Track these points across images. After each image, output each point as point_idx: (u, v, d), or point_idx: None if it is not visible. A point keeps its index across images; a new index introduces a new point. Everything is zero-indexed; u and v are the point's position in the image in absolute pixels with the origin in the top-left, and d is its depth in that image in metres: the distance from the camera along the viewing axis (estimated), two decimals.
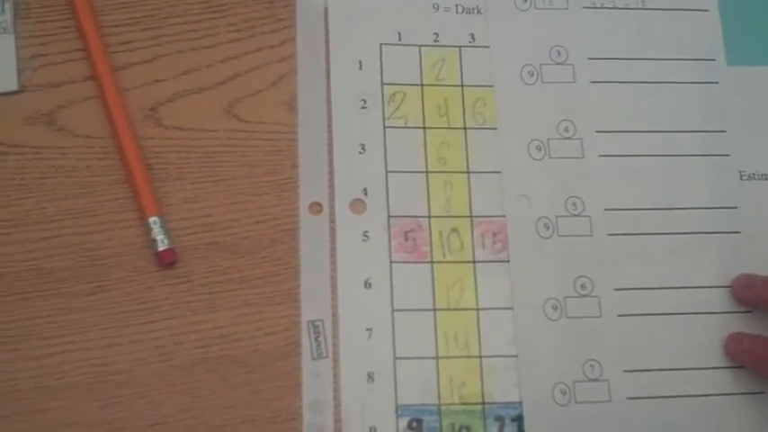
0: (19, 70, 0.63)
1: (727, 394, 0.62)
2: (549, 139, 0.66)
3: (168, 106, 0.64)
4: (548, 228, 0.64)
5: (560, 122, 0.67)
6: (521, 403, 0.60)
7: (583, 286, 0.63)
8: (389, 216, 0.63)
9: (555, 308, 0.62)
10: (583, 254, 0.64)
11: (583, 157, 0.66)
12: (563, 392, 0.61)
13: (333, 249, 0.62)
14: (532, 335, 0.62)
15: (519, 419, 0.60)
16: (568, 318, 0.62)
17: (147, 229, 0.60)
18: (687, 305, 0.64)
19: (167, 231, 0.60)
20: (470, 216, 0.64)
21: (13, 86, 0.63)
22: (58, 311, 0.59)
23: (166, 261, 0.60)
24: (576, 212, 0.65)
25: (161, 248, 0.60)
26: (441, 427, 0.59)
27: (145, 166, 0.62)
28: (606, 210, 0.65)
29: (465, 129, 0.66)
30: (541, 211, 0.65)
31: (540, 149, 0.66)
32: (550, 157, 0.66)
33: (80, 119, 0.63)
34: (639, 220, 0.65)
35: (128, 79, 0.64)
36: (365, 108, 0.65)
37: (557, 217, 0.64)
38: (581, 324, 0.62)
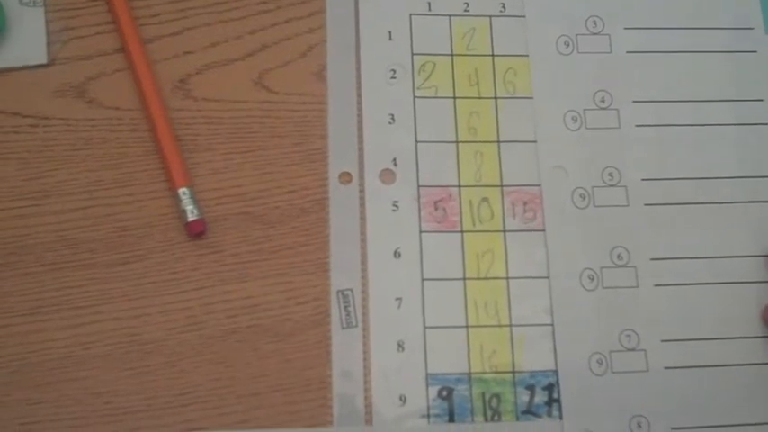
0: (48, 43, 0.63)
1: (765, 363, 0.61)
2: (585, 110, 0.66)
3: (197, 78, 0.64)
4: (584, 198, 0.63)
5: (596, 93, 0.66)
6: (554, 372, 0.60)
7: (619, 256, 0.62)
8: (419, 186, 0.63)
9: (591, 278, 0.62)
10: (619, 224, 0.63)
11: (619, 128, 0.65)
12: (599, 362, 0.60)
13: (362, 219, 0.62)
14: (569, 305, 0.61)
15: (550, 387, 0.59)
16: (605, 288, 0.62)
17: (177, 200, 0.60)
18: (724, 275, 0.63)
19: (197, 202, 0.60)
20: (501, 185, 0.63)
21: (43, 59, 0.63)
22: (89, 282, 0.60)
23: (196, 231, 0.60)
24: (612, 183, 0.64)
25: (191, 219, 0.60)
26: (471, 395, 0.59)
27: (174, 137, 0.62)
28: (643, 180, 0.64)
29: (495, 98, 0.65)
30: (577, 182, 0.64)
31: (576, 120, 0.65)
32: (587, 128, 0.65)
33: (110, 91, 0.63)
34: (676, 189, 0.64)
35: (157, 51, 0.64)
36: (395, 78, 0.65)
37: (593, 187, 0.64)
38: (618, 294, 0.62)
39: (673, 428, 0.59)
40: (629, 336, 0.61)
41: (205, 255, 0.61)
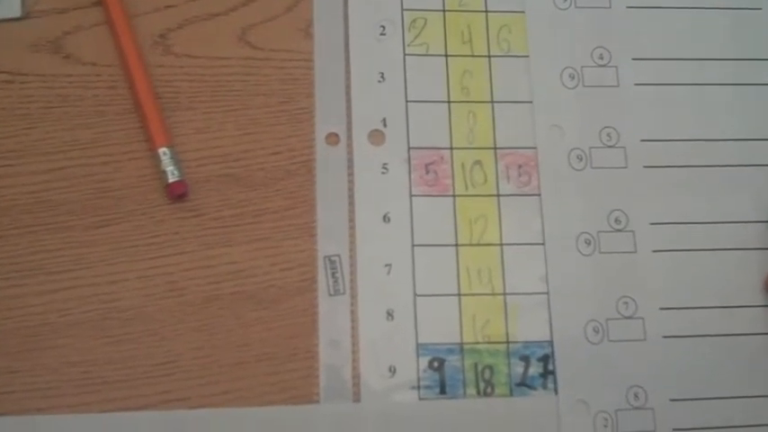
0: None
1: (766, 333, 0.60)
2: (582, 67, 0.64)
3: (179, 33, 0.62)
4: (581, 159, 0.62)
5: (595, 49, 0.64)
6: (549, 342, 0.58)
7: (617, 220, 0.61)
8: (410, 148, 0.61)
9: (588, 242, 0.60)
10: (617, 187, 0.62)
11: (618, 86, 0.64)
12: (596, 330, 0.59)
13: (350, 182, 0.61)
14: (564, 271, 0.60)
15: (545, 359, 0.58)
16: (602, 253, 0.60)
17: (157, 161, 0.59)
18: (725, 241, 0.61)
19: (178, 163, 0.59)
20: (494, 148, 0.62)
21: (17, 12, 0.61)
22: (66, 245, 0.58)
23: (177, 193, 0.59)
24: (610, 143, 0.62)
25: (171, 180, 0.58)
26: (463, 366, 0.58)
27: (154, 95, 0.60)
28: (642, 141, 0.63)
29: (489, 57, 0.63)
30: (574, 143, 0.62)
31: (573, 78, 0.64)
32: (584, 86, 0.64)
33: (87, 46, 0.62)
34: (676, 151, 0.63)
35: (136, 4, 0.63)
36: (384, 35, 0.63)
37: (590, 148, 0.62)
38: (615, 259, 0.60)
39: (671, 399, 0.58)
40: (626, 303, 0.59)
41: (186, 218, 0.59)
